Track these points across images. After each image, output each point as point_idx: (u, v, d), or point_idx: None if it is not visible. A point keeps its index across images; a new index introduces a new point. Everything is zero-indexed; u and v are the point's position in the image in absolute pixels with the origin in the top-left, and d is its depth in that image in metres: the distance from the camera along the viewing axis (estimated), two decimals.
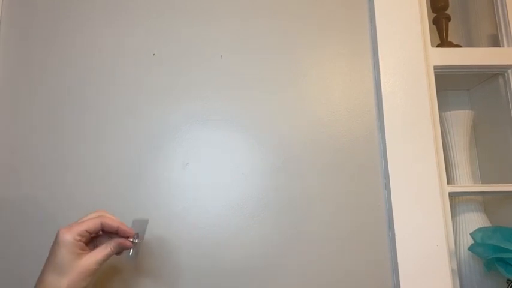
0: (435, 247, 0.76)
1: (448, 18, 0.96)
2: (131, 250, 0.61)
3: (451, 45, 0.95)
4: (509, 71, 0.90)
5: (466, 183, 0.89)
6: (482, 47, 1.00)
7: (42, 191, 0.77)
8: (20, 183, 0.77)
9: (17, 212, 0.76)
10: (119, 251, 0.61)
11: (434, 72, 0.87)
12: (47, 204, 0.76)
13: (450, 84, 0.99)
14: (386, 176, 0.81)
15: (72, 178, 0.78)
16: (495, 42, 0.96)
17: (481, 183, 0.97)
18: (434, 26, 0.97)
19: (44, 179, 0.77)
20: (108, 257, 0.60)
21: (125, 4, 0.86)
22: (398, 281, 0.75)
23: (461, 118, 0.90)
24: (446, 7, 0.97)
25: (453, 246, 0.79)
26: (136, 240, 0.61)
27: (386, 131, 0.81)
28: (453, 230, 0.82)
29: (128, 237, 0.60)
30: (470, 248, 0.77)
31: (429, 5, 0.96)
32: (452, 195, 0.84)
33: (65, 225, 0.57)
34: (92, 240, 0.61)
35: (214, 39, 0.86)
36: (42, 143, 0.79)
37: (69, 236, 0.57)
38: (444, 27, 0.96)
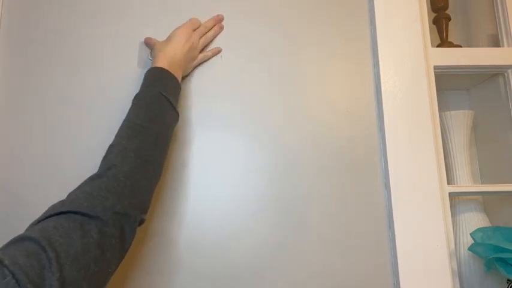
0: (435, 247, 0.76)
1: (448, 18, 0.96)
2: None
3: (451, 45, 0.95)
4: (509, 71, 0.90)
5: (466, 183, 0.89)
6: (482, 47, 1.00)
7: (34, 189, 0.77)
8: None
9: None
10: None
11: (434, 72, 0.87)
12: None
13: (450, 84, 0.99)
14: (386, 176, 0.81)
15: (71, 177, 0.78)
16: (495, 42, 0.96)
17: (481, 183, 0.97)
18: (434, 26, 0.97)
19: (40, 177, 0.77)
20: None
21: (123, 4, 0.86)
22: (398, 281, 0.75)
23: (461, 118, 0.90)
24: (446, 7, 0.96)
25: (453, 246, 0.79)
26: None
27: (386, 131, 0.81)
28: (453, 230, 0.82)
29: None
30: (470, 248, 0.77)
31: (429, 5, 0.96)
32: (452, 195, 0.84)
33: None
34: None
35: (215, 39, 0.86)
36: (42, 142, 0.79)
37: None
38: (444, 27, 0.96)
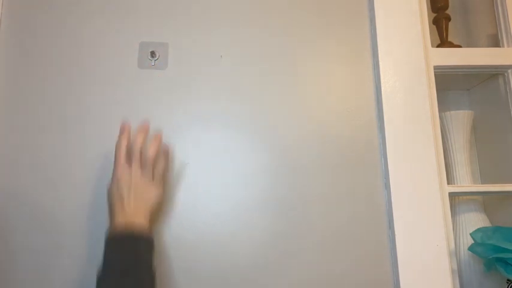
0: (435, 247, 0.76)
1: (448, 18, 0.96)
2: None
3: (451, 45, 0.95)
4: (509, 71, 0.90)
5: (466, 183, 0.89)
6: (482, 47, 1.00)
7: (38, 190, 0.77)
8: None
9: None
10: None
11: (434, 72, 0.87)
12: (45, 204, 0.76)
13: (450, 84, 0.99)
14: (386, 176, 0.81)
15: (72, 176, 0.78)
16: (495, 42, 0.96)
17: (481, 183, 0.97)
18: (434, 26, 0.97)
19: (42, 177, 0.77)
20: None
21: (124, 5, 0.86)
22: (398, 281, 0.75)
23: (461, 118, 0.90)
24: (446, 7, 0.96)
25: (453, 246, 0.79)
26: None
27: (386, 131, 0.82)
28: (453, 230, 0.82)
29: None
30: (470, 248, 0.77)
31: (429, 5, 0.96)
32: (452, 195, 0.84)
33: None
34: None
35: (215, 39, 0.86)
36: (41, 142, 0.79)
37: None
38: (444, 27, 0.96)
